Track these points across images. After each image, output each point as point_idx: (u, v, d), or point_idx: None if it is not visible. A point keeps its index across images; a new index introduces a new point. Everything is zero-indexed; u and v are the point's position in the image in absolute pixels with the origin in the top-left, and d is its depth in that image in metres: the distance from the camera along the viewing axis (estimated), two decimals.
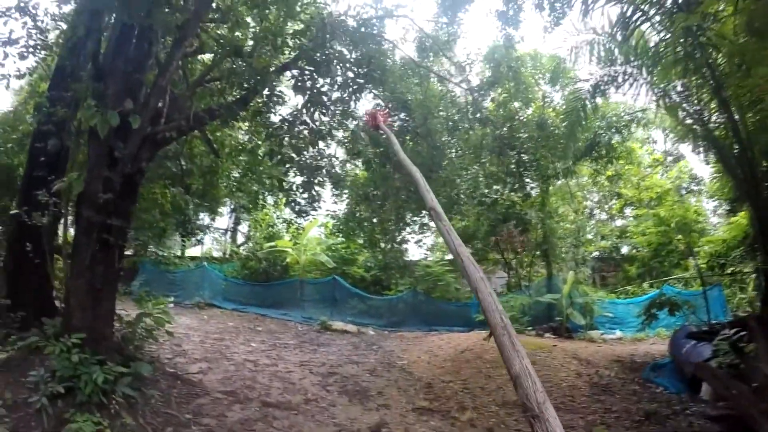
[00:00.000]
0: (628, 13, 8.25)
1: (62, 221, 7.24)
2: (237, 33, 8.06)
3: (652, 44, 8.71)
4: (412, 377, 9.46)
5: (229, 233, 27.04)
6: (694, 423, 6.59)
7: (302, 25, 7.90)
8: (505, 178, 12.63)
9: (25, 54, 6.78)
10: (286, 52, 8.52)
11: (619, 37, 9.11)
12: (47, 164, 7.31)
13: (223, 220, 26.52)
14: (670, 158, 24.67)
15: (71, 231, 7.45)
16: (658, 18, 8.02)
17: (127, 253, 9.22)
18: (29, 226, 6.69)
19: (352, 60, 8.23)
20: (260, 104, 8.61)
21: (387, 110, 7.70)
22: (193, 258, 22.13)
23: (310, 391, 8.17)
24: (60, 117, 6.97)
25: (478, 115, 11.13)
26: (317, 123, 8.69)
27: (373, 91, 8.84)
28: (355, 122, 9.77)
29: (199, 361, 9.15)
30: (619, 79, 9.72)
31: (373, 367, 10.15)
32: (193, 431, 5.92)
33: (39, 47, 6.96)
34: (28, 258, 6.93)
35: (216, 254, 25.20)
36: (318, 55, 7.63)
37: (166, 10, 5.91)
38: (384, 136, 6.53)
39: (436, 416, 7.46)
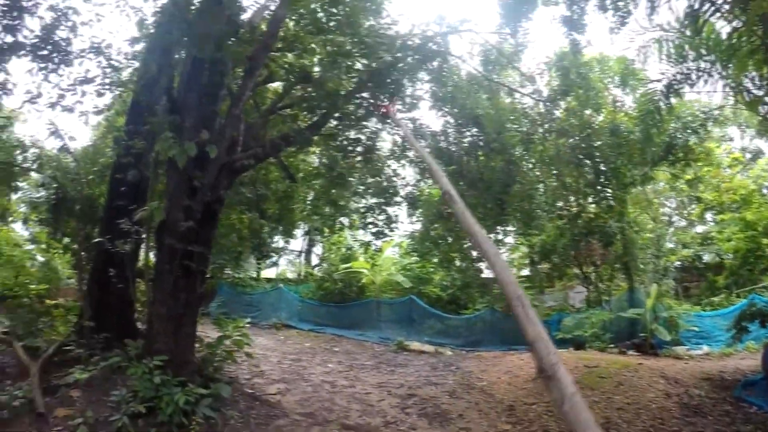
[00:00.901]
0: (696, 6, 7.75)
1: (143, 248, 7.61)
2: (304, 60, 8.23)
3: (724, 36, 8.15)
4: (493, 399, 9.13)
5: (303, 255, 27.64)
6: None
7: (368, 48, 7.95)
8: (585, 189, 12.10)
9: (102, 91, 7.27)
10: (355, 76, 8.61)
11: (688, 32, 8.60)
12: (127, 194, 7.72)
13: (298, 242, 27.20)
14: (748, 155, 22.97)
15: (152, 257, 7.80)
16: (728, 7, 7.48)
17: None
18: (112, 253, 7.07)
19: (422, 79, 8.21)
20: (334, 128, 8.74)
21: (393, 106, 7.61)
22: (269, 280, 22.69)
23: (390, 414, 8.05)
24: (138, 149, 7.36)
25: (551, 125, 10.80)
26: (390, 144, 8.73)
27: (444, 108, 8.76)
28: (425, 141, 9.71)
29: (277, 381, 9.25)
30: (693, 77, 9.14)
31: (452, 388, 9.88)
32: None
33: (114, 84, 7.43)
34: (112, 283, 7.35)
35: (291, 276, 25.78)
36: (388, 76, 7.66)
37: (234, 41, 6.11)
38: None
39: None
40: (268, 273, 25.59)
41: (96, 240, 7.07)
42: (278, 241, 22.85)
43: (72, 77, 7.14)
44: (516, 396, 9.16)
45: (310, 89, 7.72)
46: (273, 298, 18.83)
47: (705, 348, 13.56)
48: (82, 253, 8.42)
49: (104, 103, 7.69)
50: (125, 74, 8.06)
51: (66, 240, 9.75)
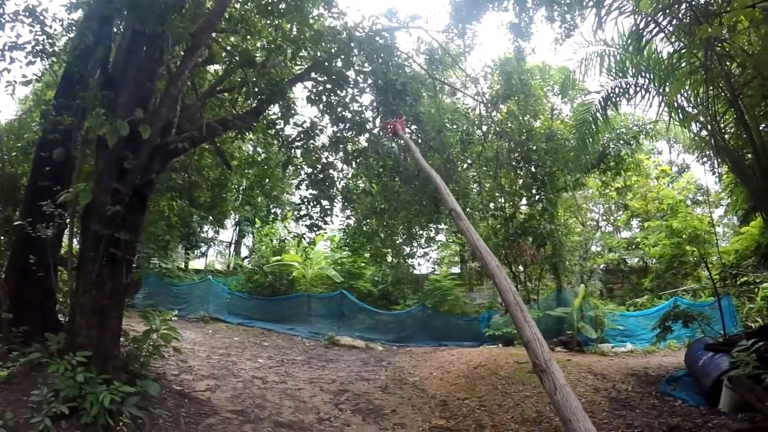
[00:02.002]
0: (642, 25, 8.17)
1: (67, 233, 7.04)
2: (249, 43, 7.91)
3: (665, 55, 8.62)
4: (426, 394, 9.19)
5: (232, 246, 26.94)
6: None
7: (315, 36, 7.74)
8: (520, 191, 12.47)
9: (33, 60, 6.59)
10: (300, 63, 8.38)
11: (631, 49, 9.04)
12: (52, 174, 7.05)
13: (227, 234, 26.48)
14: (675, 169, 24.62)
15: (76, 244, 7.24)
16: (671, 29, 7.92)
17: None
18: (33, 237, 6.44)
19: (368, 71, 8.08)
20: (273, 115, 8.45)
21: (404, 118, 7.55)
22: (197, 271, 21.97)
23: (323, 410, 7.91)
24: (66, 126, 6.77)
25: (491, 127, 11.01)
26: (332, 134, 8.55)
27: (392, 105, 8.69)
28: (367, 135, 9.59)
29: (206, 378, 8.91)
30: (631, 91, 9.66)
31: (385, 384, 9.88)
32: None
33: (47, 53, 6.76)
34: (32, 271, 6.71)
35: (219, 267, 25.06)
36: (333, 66, 7.49)
37: (178, 17, 5.76)
38: (403, 143, 6.45)
39: None
40: (197, 264, 24.79)
41: (17, 223, 6.37)
42: (208, 231, 22.15)
43: (1, 42, 6.43)
44: (448, 391, 9.28)
45: (251, 74, 7.41)
46: (201, 291, 18.25)
47: (629, 345, 14.36)
48: (1, 238, 7.63)
49: (33, 73, 6.95)
50: (59, 43, 7.38)
51: None
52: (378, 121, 9.37)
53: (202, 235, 22.20)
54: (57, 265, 7.28)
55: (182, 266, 20.48)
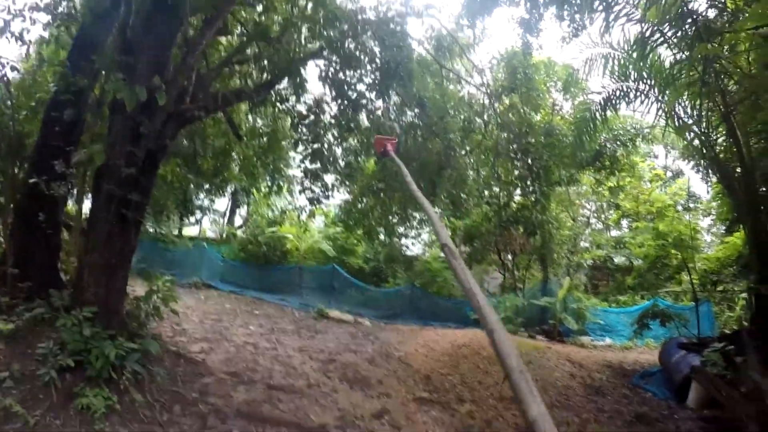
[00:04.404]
0: (647, 33, 8.39)
1: (76, 194, 7.21)
2: (266, 18, 8.03)
3: (667, 65, 8.85)
4: (411, 369, 9.56)
5: (227, 215, 27.11)
6: (682, 427, 6.78)
7: (330, 16, 7.88)
8: (515, 181, 12.75)
9: (51, 21, 6.68)
10: (312, 42, 8.53)
11: (635, 55, 9.26)
12: (61, 134, 7.12)
13: (222, 203, 26.63)
14: (669, 174, 24.96)
15: (83, 204, 7.40)
16: (675, 41, 8.15)
17: None
18: (40, 196, 6.58)
19: (378, 55, 8.27)
20: (284, 90, 8.63)
21: (395, 138, 7.67)
22: (191, 238, 22.13)
23: (312, 377, 8.25)
24: (79, 87, 6.89)
25: (495, 118, 11.22)
26: (340, 113, 8.75)
27: (396, 89, 8.88)
28: (371, 116, 9.81)
29: (200, 341, 9.20)
30: (631, 95, 9.87)
31: (372, 356, 10.22)
32: (201, 410, 5.96)
33: (64, 16, 6.85)
34: (38, 229, 6.86)
35: (211, 235, 25.25)
36: (345, 47, 7.67)
37: None
38: (391, 161, 6.39)
39: (436, 407, 7.58)
40: (190, 231, 24.94)
41: (32, 181, 6.46)
42: (204, 199, 22.27)
43: (21, 2, 6.52)
44: (432, 367, 9.65)
45: (266, 48, 7.55)
46: (195, 257, 18.42)
47: (608, 340, 14.88)
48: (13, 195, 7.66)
49: (51, 34, 7.04)
50: (76, 4, 7.44)
51: None
52: (378, 100, 9.55)
53: (198, 202, 22.38)
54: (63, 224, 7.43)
55: (176, 233, 20.60)
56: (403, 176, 5.40)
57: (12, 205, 7.54)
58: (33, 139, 7.67)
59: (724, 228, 17.12)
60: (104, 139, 6.65)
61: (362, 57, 8.24)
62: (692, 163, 14.77)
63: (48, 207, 6.85)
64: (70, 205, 9.15)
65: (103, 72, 6.70)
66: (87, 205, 7.27)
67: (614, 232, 24.98)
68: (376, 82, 8.92)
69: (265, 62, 7.55)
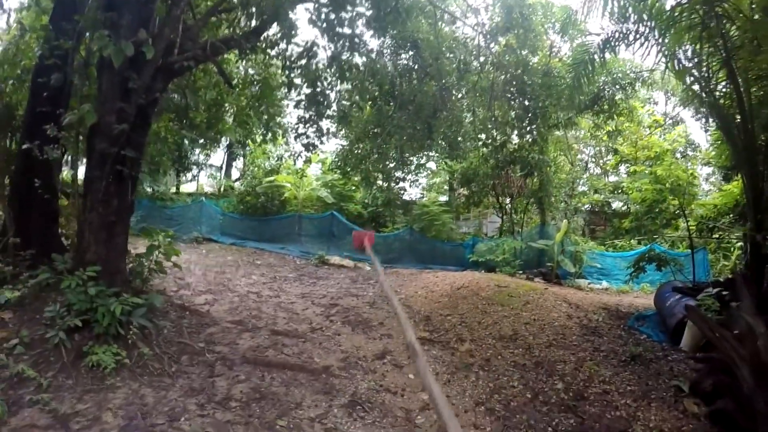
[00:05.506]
0: None
1: (71, 156, 7.16)
2: None
3: (667, 6, 8.61)
4: (411, 310, 9.78)
5: (223, 169, 27.06)
6: (675, 368, 7.01)
7: None
8: (514, 122, 12.62)
9: None
10: None
11: None
12: (50, 100, 6.98)
13: (218, 157, 26.55)
14: (669, 121, 24.71)
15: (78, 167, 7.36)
16: None
17: None
18: (34, 163, 6.53)
19: None
20: (275, 36, 8.44)
21: (373, 232, 7.58)
22: (189, 194, 22.20)
23: (315, 321, 8.48)
24: (64, 50, 6.76)
25: (491, 59, 10.99)
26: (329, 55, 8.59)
27: (390, 30, 8.64)
28: (363, 58, 9.63)
29: (204, 293, 9.41)
30: (631, 37, 9.61)
31: (372, 300, 10.44)
32: (208, 359, 6.15)
33: None
34: (35, 196, 6.85)
35: (209, 190, 25.30)
36: None
37: None
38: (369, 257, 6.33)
39: (437, 346, 7.81)
40: (188, 188, 24.98)
41: (25, 146, 6.40)
42: (199, 155, 22.20)
43: None
44: (432, 308, 9.87)
45: None
46: (194, 212, 18.58)
47: (605, 283, 15.14)
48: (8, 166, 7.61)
49: None
50: None
51: None
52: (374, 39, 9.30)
53: (194, 158, 22.32)
54: (59, 189, 7.42)
55: (174, 190, 20.64)
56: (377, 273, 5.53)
57: (7, 176, 7.54)
58: (22, 110, 7.59)
59: (721, 177, 17.15)
60: (94, 99, 6.57)
61: None
62: (692, 110, 14.63)
63: (43, 172, 6.79)
64: (66, 172, 9.13)
65: (88, 32, 6.54)
66: (82, 171, 7.23)
67: (612, 178, 25.01)
68: (371, 19, 8.68)
69: (253, 9, 7.34)
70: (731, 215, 14.24)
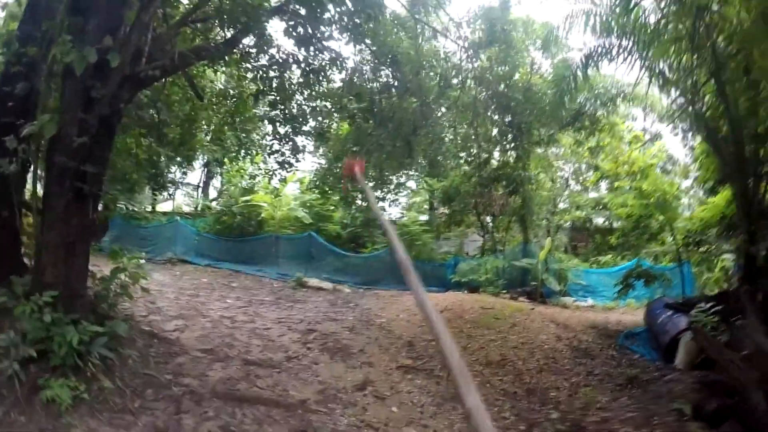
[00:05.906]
0: None
1: (31, 171, 6.71)
2: None
3: (652, 19, 8.59)
4: (393, 335, 9.40)
5: (201, 188, 26.57)
6: (673, 388, 6.74)
7: None
8: (497, 138, 12.50)
9: None
10: None
11: (618, 10, 8.95)
12: (15, 110, 6.44)
13: (195, 175, 26.04)
14: (647, 136, 25.01)
15: (39, 184, 6.90)
16: None
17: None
18: None
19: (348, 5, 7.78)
20: (249, 47, 8.14)
21: (364, 159, 7.27)
22: (164, 213, 21.68)
23: (291, 349, 8.03)
24: (30, 57, 6.35)
25: (473, 74, 10.86)
26: (308, 65, 8.30)
27: (365, 42, 8.42)
28: (342, 73, 9.39)
29: (175, 318, 8.89)
30: (614, 52, 9.62)
31: (352, 324, 10.05)
32: (175, 393, 5.67)
33: None
34: None
35: (186, 209, 24.75)
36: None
37: None
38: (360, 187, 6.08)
39: (421, 374, 7.44)
40: (164, 207, 24.42)
41: None
42: (175, 172, 21.70)
43: None
44: (414, 333, 9.50)
45: (227, 2, 7.04)
46: (169, 232, 18.12)
47: (590, 301, 14.99)
48: None
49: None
50: None
51: None
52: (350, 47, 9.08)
53: (170, 176, 21.78)
54: (20, 206, 6.97)
55: (149, 209, 20.11)
56: (368, 199, 5.58)
57: None
58: None
59: (702, 191, 17.19)
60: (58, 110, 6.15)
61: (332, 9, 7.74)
62: (671, 125, 14.66)
63: (2, 188, 6.36)
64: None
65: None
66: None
67: (593, 194, 25.11)
68: (348, 29, 8.43)
69: (225, 17, 7.04)
70: (718, 228, 14.22)
